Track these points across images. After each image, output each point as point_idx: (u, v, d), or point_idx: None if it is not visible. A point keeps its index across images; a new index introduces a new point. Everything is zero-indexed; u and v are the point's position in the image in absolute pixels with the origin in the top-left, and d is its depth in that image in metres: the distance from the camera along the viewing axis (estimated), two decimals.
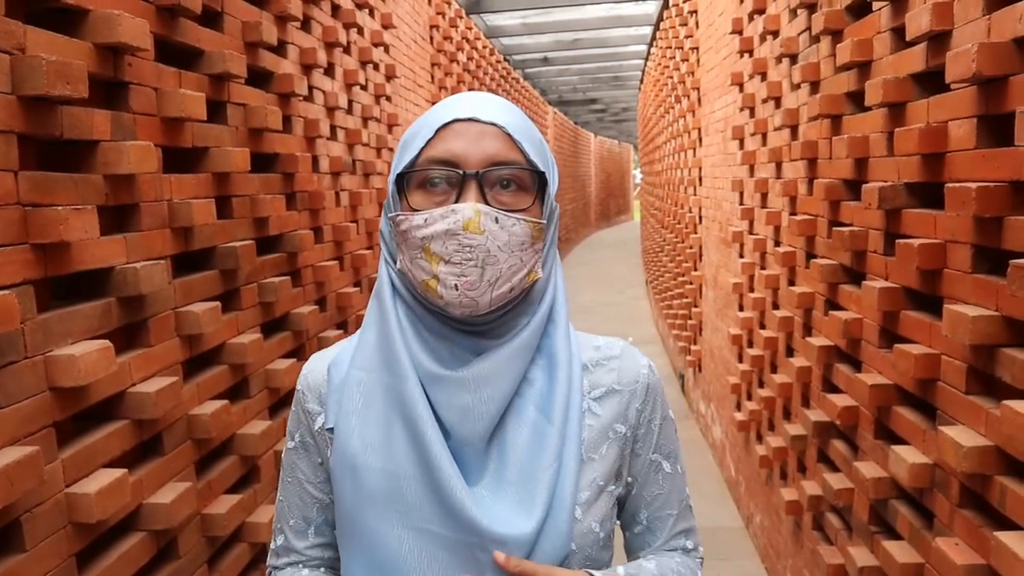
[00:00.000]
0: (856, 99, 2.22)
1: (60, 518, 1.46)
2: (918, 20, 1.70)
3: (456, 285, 0.85)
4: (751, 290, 3.68)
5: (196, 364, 2.07)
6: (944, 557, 1.59)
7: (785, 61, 2.98)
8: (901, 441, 1.92)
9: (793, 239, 2.87)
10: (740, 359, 3.94)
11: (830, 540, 2.48)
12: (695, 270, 5.71)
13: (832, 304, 2.46)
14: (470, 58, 6.62)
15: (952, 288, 1.65)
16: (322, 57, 3.00)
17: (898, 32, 1.92)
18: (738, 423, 3.84)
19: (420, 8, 4.89)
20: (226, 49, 2.18)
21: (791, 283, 2.97)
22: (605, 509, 0.94)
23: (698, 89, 5.39)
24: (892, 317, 1.96)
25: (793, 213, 2.90)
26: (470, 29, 6.75)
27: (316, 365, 1.01)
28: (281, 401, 2.55)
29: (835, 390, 2.41)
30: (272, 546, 1.03)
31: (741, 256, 3.92)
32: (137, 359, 1.75)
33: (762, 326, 3.48)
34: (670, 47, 6.82)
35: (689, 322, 6.04)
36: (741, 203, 3.91)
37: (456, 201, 0.86)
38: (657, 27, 8.14)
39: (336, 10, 3.27)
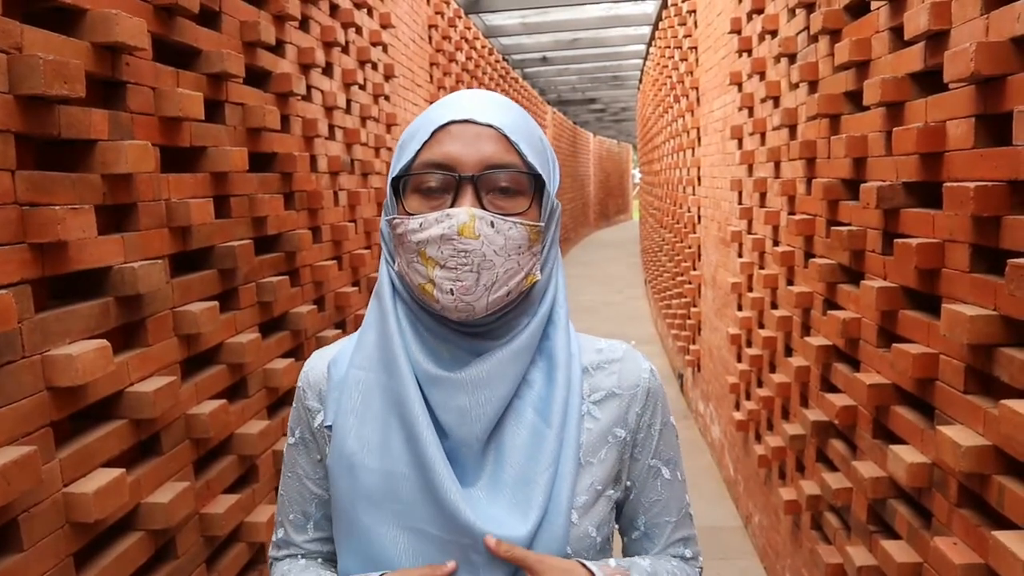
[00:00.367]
0: (854, 98, 2.22)
1: (58, 518, 1.46)
2: (916, 19, 1.70)
3: (452, 290, 0.85)
4: (750, 290, 3.68)
5: (194, 364, 2.07)
6: (942, 556, 1.59)
7: (784, 60, 2.98)
8: (899, 441, 1.92)
9: (792, 239, 2.87)
10: (739, 359, 3.94)
11: (829, 539, 2.49)
12: (694, 270, 5.71)
13: (831, 304, 2.46)
14: (469, 58, 6.62)
15: (950, 287, 1.65)
16: (320, 57, 3.00)
17: (896, 31, 1.92)
18: (737, 423, 3.84)
19: (419, 8, 4.89)
20: (224, 49, 2.18)
21: (790, 283, 2.97)
22: (602, 514, 0.94)
23: (697, 89, 5.39)
24: (890, 317, 1.96)
25: (792, 213, 2.90)
26: (469, 29, 6.75)
27: (317, 362, 1.01)
28: (280, 401, 2.55)
29: (834, 390, 2.41)
30: (273, 538, 1.05)
31: (740, 256, 3.92)
32: (135, 359, 1.75)
33: (761, 326, 3.48)
34: (669, 47, 6.82)
35: (688, 322, 6.04)
36: (740, 203, 3.91)
37: (452, 205, 0.86)
38: (656, 27, 8.14)
39: (334, 9, 3.26)
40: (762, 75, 3.37)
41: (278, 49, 2.65)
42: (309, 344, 2.79)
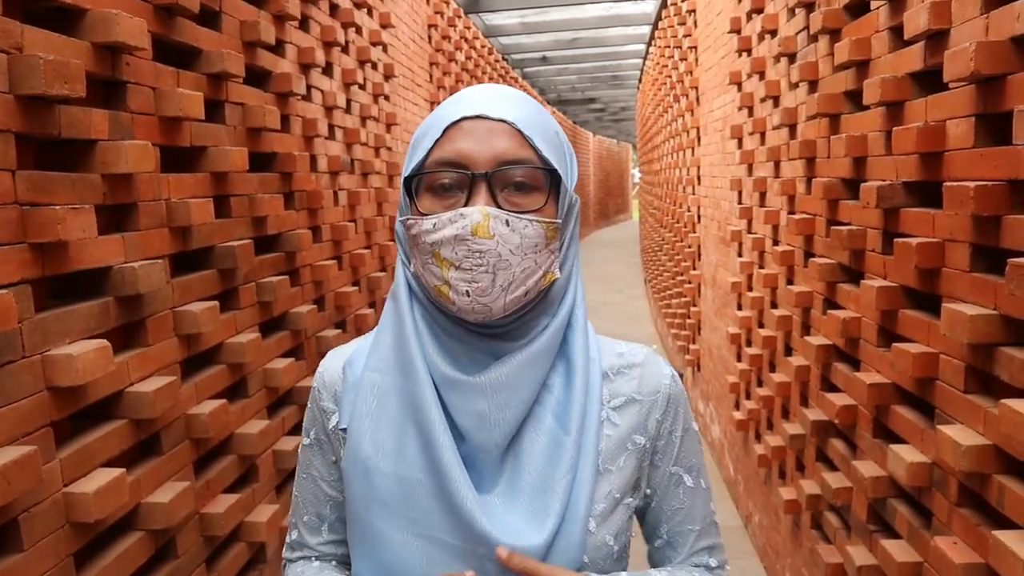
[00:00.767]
0: (854, 98, 2.22)
1: (58, 517, 1.46)
2: (916, 19, 1.70)
3: (467, 292, 0.83)
4: (750, 289, 3.68)
5: (194, 363, 2.07)
6: (942, 556, 1.59)
7: (783, 60, 2.98)
8: (900, 440, 1.92)
9: (791, 238, 2.87)
10: (739, 358, 3.94)
11: (829, 539, 2.49)
12: (694, 269, 5.71)
13: (831, 303, 2.46)
14: (468, 57, 6.62)
15: (950, 287, 1.65)
16: (320, 56, 3.00)
17: (896, 31, 1.92)
18: (737, 422, 3.84)
19: (418, 7, 4.89)
20: (224, 48, 2.18)
21: (790, 282, 2.97)
22: (621, 522, 0.92)
23: (696, 88, 5.39)
24: (890, 316, 1.97)
25: (791, 212, 2.90)
26: (468, 28, 6.75)
27: (332, 363, 0.99)
28: (280, 401, 2.55)
29: (834, 389, 2.41)
30: (287, 539, 1.04)
31: (740, 255, 3.92)
32: (135, 358, 1.75)
33: (761, 325, 3.48)
34: (668, 46, 6.82)
35: (688, 321, 6.04)
36: (740, 202, 3.91)
37: (466, 204, 0.83)
38: (655, 26, 8.14)
39: (334, 9, 3.26)
40: (762, 75, 3.37)
41: (278, 49, 2.65)
42: (309, 344, 2.79)
